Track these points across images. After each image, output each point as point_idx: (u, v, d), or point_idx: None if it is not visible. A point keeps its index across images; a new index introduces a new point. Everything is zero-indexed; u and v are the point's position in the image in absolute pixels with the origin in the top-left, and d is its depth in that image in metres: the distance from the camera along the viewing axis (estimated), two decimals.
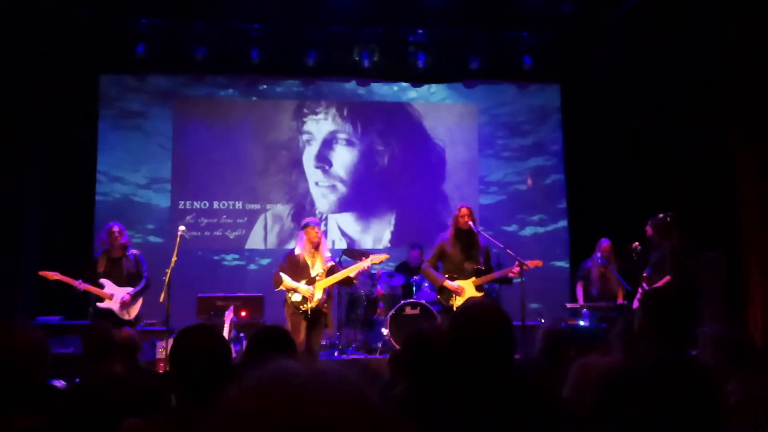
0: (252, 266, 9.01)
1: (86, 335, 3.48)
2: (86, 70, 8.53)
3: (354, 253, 7.74)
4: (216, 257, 8.97)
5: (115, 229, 6.34)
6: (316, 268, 6.04)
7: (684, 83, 7.65)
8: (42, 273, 6.30)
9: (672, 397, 2.15)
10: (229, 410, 0.76)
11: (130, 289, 6.29)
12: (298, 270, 6.03)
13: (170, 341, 6.37)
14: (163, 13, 8.22)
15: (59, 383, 4.30)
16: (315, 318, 5.99)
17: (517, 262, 6.16)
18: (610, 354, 3.02)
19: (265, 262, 8.93)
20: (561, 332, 3.79)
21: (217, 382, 1.89)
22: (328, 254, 6.24)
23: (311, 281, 5.99)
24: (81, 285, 6.19)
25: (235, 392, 0.77)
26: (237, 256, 9.03)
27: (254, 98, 9.35)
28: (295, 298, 5.96)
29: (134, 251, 6.54)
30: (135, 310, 6.37)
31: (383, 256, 6.46)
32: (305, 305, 5.93)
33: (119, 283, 6.30)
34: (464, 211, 6.25)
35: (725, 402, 2.31)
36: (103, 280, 6.26)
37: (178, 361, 1.97)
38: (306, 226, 6.12)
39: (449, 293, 6.20)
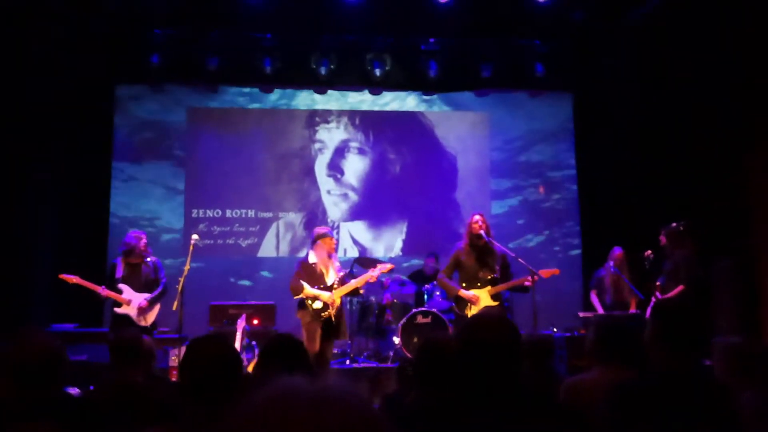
0: (264, 274, 9.03)
1: (115, 342, 3.47)
2: (101, 79, 8.62)
3: (366, 261, 7.77)
4: (228, 265, 9.00)
5: (133, 239, 6.41)
6: (331, 277, 6.17)
7: (696, 91, 7.62)
8: (62, 276, 6.36)
9: (686, 409, 2.14)
10: (236, 429, 0.77)
11: (147, 295, 6.33)
12: (315, 278, 6.13)
13: (183, 349, 6.41)
14: (177, 23, 8.30)
15: (73, 391, 4.34)
16: (331, 326, 6.08)
17: (532, 271, 6.13)
18: (591, 369, 2.98)
19: (277, 270, 8.95)
20: (541, 341, 3.69)
21: (228, 392, 1.90)
22: (338, 263, 6.37)
23: (328, 289, 6.10)
24: (104, 291, 6.25)
25: (241, 411, 0.78)
26: (249, 264, 9.06)
27: (267, 107, 9.40)
28: (317, 305, 6.05)
29: (152, 258, 6.60)
30: (152, 317, 6.39)
31: (389, 266, 6.53)
32: (326, 312, 6.03)
33: (138, 289, 6.34)
34: (476, 218, 6.26)
35: (740, 414, 2.29)
36: (121, 285, 6.30)
37: (188, 371, 1.98)
38: (325, 236, 6.23)
39: (465, 303, 6.18)
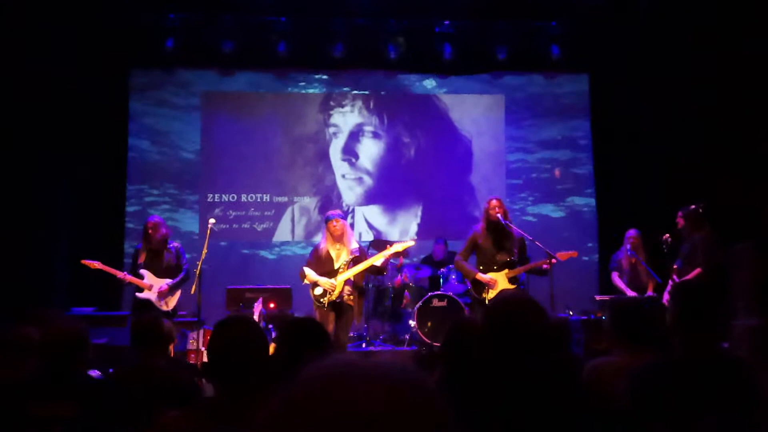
0: (280, 258, 9.07)
1: (137, 325, 3.52)
2: (116, 64, 8.65)
3: (380, 244, 7.77)
4: (244, 249, 9.05)
5: (149, 224, 6.43)
6: (341, 261, 6.06)
7: (713, 70, 7.53)
8: (84, 262, 6.44)
9: (707, 392, 2.13)
10: (293, 404, 0.76)
11: (168, 280, 6.39)
12: (323, 263, 6.06)
13: (201, 332, 6.47)
14: (191, 7, 8.30)
15: (94, 373, 4.39)
16: (340, 310, 6.02)
17: (549, 254, 6.10)
18: (613, 351, 2.97)
19: (292, 254, 9.00)
20: (558, 324, 3.66)
21: (256, 373, 1.91)
22: (355, 245, 6.21)
23: (335, 273, 6.01)
24: (126, 276, 6.32)
25: (296, 387, 0.78)
26: (265, 248, 9.11)
27: (281, 91, 9.39)
28: (317, 291, 6.01)
29: (175, 244, 6.65)
30: (173, 302, 6.46)
31: (408, 243, 6.43)
32: (324, 298, 5.97)
33: (159, 274, 6.40)
34: (494, 203, 6.21)
35: (762, 395, 2.28)
36: (142, 271, 6.38)
37: (217, 352, 2.00)
38: (327, 219, 6.15)
39: (482, 286, 6.16)
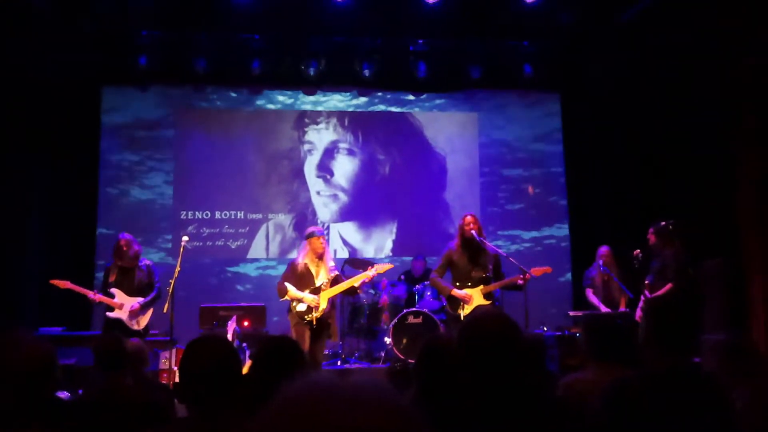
0: (254, 276, 9.00)
1: (98, 346, 3.46)
2: (89, 81, 8.57)
3: (356, 262, 7.76)
4: (218, 267, 8.97)
5: (122, 242, 6.34)
6: (321, 278, 6.01)
7: (684, 91, 7.67)
8: (53, 281, 6.33)
9: (680, 406, 2.15)
10: (271, 427, 0.75)
11: (139, 299, 6.29)
12: (302, 280, 5.99)
13: (174, 352, 6.38)
14: (165, 25, 8.26)
15: (63, 394, 4.31)
16: (319, 328, 5.95)
17: (523, 270, 6.12)
18: (587, 367, 2.99)
19: (267, 271, 8.93)
20: (534, 340, 3.68)
21: (229, 393, 1.89)
22: (332, 264, 6.20)
23: (316, 291, 5.96)
24: (96, 296, 6.21)
25: (273, 409, 0.76)
26: (239, 266, 9.03)
27: (255, 108, 9.37)
28: (300, 308, 5.92)
29: (147, 262, 6.56)
30: (144, 321, 6.37)
31: (387, 266, 6.41)
32: (309, 315, 5.90)
33: (130, 293, 6.30)
34: (468, 219, 6.24)
35: (732, 409, 2.31)
36: (113, 290, 6.28)
37: (189, 372, 1.97)
38: (311, 235, 6.09)
39: (457, 302, 6.16)
